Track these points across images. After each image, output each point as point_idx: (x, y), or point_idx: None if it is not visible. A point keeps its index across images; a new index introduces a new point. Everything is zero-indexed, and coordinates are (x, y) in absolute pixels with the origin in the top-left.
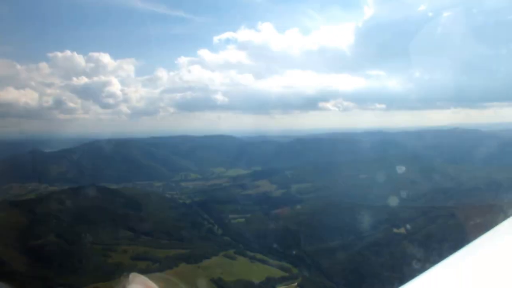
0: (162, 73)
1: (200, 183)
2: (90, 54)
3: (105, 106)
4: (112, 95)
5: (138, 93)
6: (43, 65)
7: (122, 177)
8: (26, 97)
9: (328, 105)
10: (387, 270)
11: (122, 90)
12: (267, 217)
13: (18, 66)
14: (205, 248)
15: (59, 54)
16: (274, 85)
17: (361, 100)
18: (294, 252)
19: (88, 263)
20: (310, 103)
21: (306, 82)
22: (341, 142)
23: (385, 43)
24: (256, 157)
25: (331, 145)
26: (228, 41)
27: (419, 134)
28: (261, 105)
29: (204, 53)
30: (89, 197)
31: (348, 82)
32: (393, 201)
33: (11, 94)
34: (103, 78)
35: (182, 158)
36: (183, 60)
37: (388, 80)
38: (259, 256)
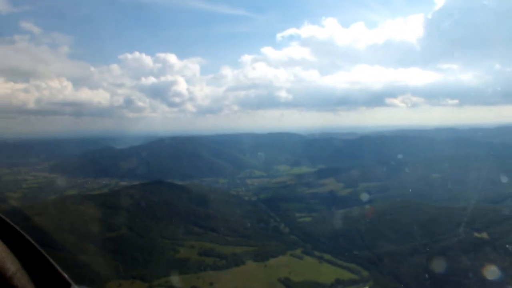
0: (226, 72)
1: (265, 181)
2: (158, 55)
3: (171, 104)
4: (178, 94)
5: (203, 92)
6: (114, 66)
7: (189, 174)
8: (99, 97)
9: (396, 101)
10: (467, 278)
11: (188, 89)
12: (334, 216)
13: (92, 68)
14: (272, 246)
15: (128, 55)
16: (339, 81)
17: (431, 95)
18: (364, 254)
19: (158, 257)
20: (377, 99)
21: (373, 77)
22: (410, 139)
23: (458, 34)
24: (321, 155)
25: (399, 143)
26: (291, 37)
27: (497, 131)
28: (325, 101)
29: (267, 50)
30: (157, 193)
31: (417, 77)
32: (471, 203)
33: (86, 95)
34: (170, 77)
35: (246, 155)
36: (246, 58)
37: (462, 74)
38: (327, 256)
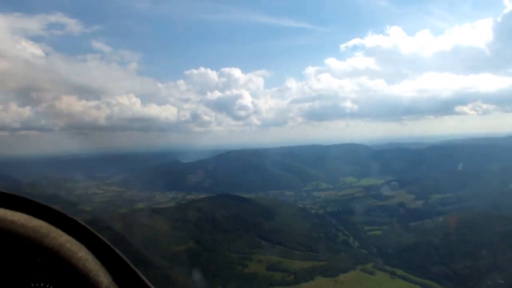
0: (291, 84)
1: (332, 193)
2: (222, 69)
3: (237, 118)
4: (243, 107)
5: (268, 105)
6: (181, 82)
7: (255, 187)
8: (166, 112)
9: (465, 108)
10: None
11: (252, 102)
12: (406, 229)
13: (159, 84)
14: (341, 261)
15: (194, 71)
16: (406, 90)
17: (504, 101)
18: (439, 269)
19: (226, 272)
20: (445, 107)
21: (441, 84)
22: (482, 148)
23: None
24: (389, 166)
25: (470, 152)
26: (355, 48)
27: None
28: (391, 111)
29: (331, 61)
30: (224, 206)
31: (489, 82)
32: None
33: (154, 110)
34: (234, 91)
35: (312, 167)
36: (310, 70)
37: None
38: (399, 272)
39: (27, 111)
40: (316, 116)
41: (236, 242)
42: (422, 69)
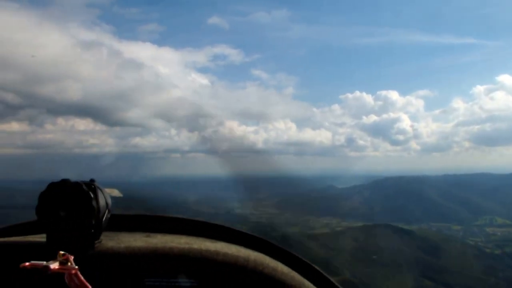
0: (456, 105)
1: (510, 230)
2: (379, 92)
3: (394, 143)
4: (401, 131)
5: (429, 128)
6: (335, 106)
7: (416, 217)
8: (321, 137)
9: None
10: None
11: (411, 126)
12: None
13: (314, 109)
14: None
15: (349, 95)
16: None
17: None
18: None
19: None
20: None
21: None
22: None
23: None
24: None
25: None
26: None
27: None
28: None
29: (505, 78)
30: (382, 236)
31: None
32: None
33: (308, 134)
34: (392, 115)
35: (484, 199)
36: (479, 89)
37: None
38: None
39: (195, 136)
40: (487, 140)
41: (395, 278)
42: None
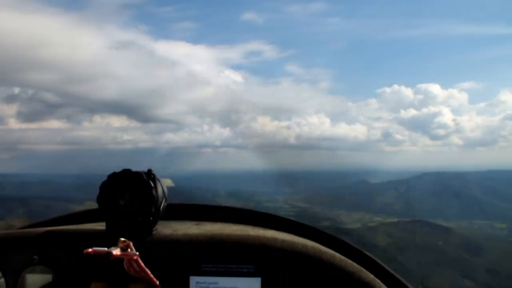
0: (504, 97)
1: None
2: (418, 86)
3: (434, 137)
4: (442, 125)
5: (473, 122)
6: (372, 100)
7: (455, 214)
8: (356, 131)
9: None
10: None
11: (453, 120)
12: None
13: (350, 103)
14: None
15: (387, 89)
16: None
17: None
18: None
19: None
20: None
21: None
22: None
23: None
24: None
25: None
26: None
27: None
28: None
29: None
30: (418, 233)
31: None
32: None
33: (343, 129)
34: (432, 109)
35: None
36: None
37: None
38: None
39: (227, 131)
40: None
41: (433, 277)
42: None
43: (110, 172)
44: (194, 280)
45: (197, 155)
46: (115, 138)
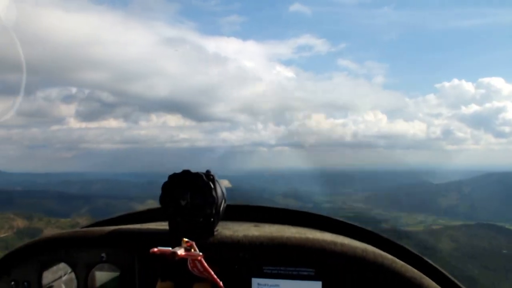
0: None
1: None
2: (480, 80)
3: (498, 134)
4: (507, 122)
5: None
6: (430, 96)
7: None
8: (414, 129)
9: None
10: None
11: None
12: None
13: (407, 99)
14: None
15: (446, 84)
16: None
17: None
18: None
19: None
20: None
21: None
22: None
23: None
24: None
25: None
26: None
27: None
28: None
29: None
30: (484, 237)
31: None
32: None
33: (400, 126)
34: (496, 104)
35: None
36: None
37: None
38: None
39: (281, 129)
40: None
41: (502, 284)
42: None
43: (169, 171)
44: (256, 282)
45: (252, 154)
46: (172, 137)
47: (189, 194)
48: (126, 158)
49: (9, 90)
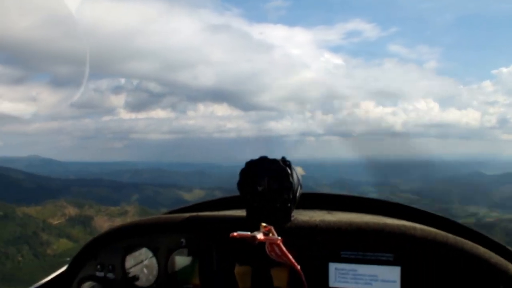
0: None
1: None
2: None
3: None
4: None
5: None
6: (486, 83)
7: None
8: (468, 117)
9: None
10: None
11: None
12: None
13: (461, 86)
14: None
15: (504, 69)
16: None
17: None
18: None
19: None
20: None
21: None
22: None
23: None
24: None
25: None
26: None
27: None
28: None
29: None
30: None
31: None
32: None
33: (453, 115)
34: None
35: None
36: None
37: None
38: None
39: (329, 118)
40: None
41: None
42: None
43: (218, 162)
44: (333, 266)
45: (300, 143)
46: (219, 127)
47: (266, 180)
48: (175, 148)
49: (65, 82)
